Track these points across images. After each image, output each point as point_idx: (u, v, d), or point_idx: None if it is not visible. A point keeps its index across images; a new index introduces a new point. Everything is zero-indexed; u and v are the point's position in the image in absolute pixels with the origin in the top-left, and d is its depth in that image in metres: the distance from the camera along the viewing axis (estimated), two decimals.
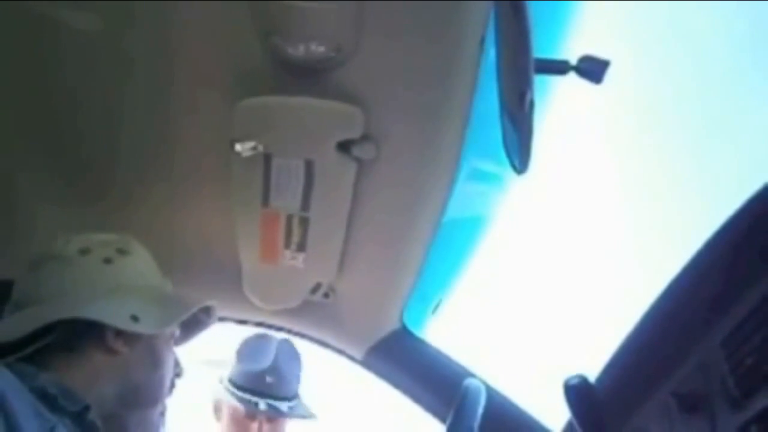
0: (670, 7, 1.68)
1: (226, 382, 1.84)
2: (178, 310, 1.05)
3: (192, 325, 1.15)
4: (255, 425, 1.79)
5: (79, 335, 0.97)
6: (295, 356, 1.87)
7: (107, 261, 1.03)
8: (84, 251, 1.03)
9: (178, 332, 1.12)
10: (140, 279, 1.06)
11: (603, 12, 1.18)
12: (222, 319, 1.65)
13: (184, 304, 1.07)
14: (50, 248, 1.05)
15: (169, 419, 1.09)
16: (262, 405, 1.78)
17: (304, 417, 1.86)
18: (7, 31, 1.07)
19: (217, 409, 1.87)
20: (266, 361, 1.80)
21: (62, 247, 1.04)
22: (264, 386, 1.79)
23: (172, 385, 1.09)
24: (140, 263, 1.08)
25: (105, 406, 0.96)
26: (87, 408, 0.91)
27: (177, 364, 1.10)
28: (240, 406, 1.80)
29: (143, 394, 1.03)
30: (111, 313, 0.97)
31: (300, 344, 1.89)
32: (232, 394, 1.82)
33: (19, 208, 1.39)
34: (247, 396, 1.80)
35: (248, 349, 1.83)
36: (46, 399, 0.86)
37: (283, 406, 1.80)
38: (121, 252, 1.06)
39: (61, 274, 1.01)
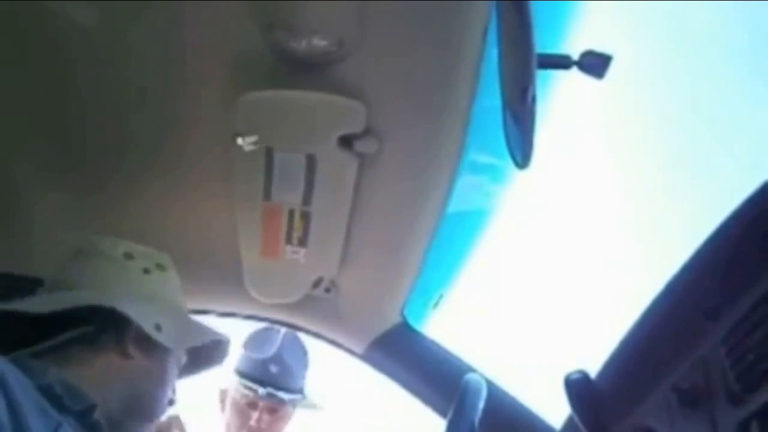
0: (671, 5, 1.68)
1: (231, 372, 1.85)
2: (197, 333, 1.10)
3: (201, 360, 1.19)
4: (255, 414, 1.80)
5: (102, 330, 0.99)
6: (301, 350, 1.88)
7: (146, 271, 1.09)
8: (128, 256, 1.09)
9: (185, 360, 1.14)
10: (170, 295, 1.11)
11: (605, 8, 1.17)
12: (224, 315, 1.65)
13: (204, 330, 1.12)
14: (96, 244, 1.10)
15: None
16: (263, 391, 1.79)
17: (305, 407, 1.87)
18: (7, 24, 1.06)
19: (221, 400, 1.88)
20: (271, 350, 1.82)
21: (109, 246, 1.09)
22: (268, 375, 1.81)
23: (163, 410, 1.10)
24: (173, 282, 1.13)
25: (108, 410, 0.97)
26: (93, 407, 0.92)
27: (174, 390, 1.12)
28: (241, 395, 1.81)
29: (144, 405, 1.05)
30: (139, 315, 1.00)
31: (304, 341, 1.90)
32: (236, 382, 1.83)
33: (19, 200, 1.38)
34: (250, 383, 1.81)
35: (254, 339, 1.85)
36: (53, 398, 0.87)
37: (285, 396, 1.81)
38: (160, 267, 1.11)
39: (103, 270, 1.06)
